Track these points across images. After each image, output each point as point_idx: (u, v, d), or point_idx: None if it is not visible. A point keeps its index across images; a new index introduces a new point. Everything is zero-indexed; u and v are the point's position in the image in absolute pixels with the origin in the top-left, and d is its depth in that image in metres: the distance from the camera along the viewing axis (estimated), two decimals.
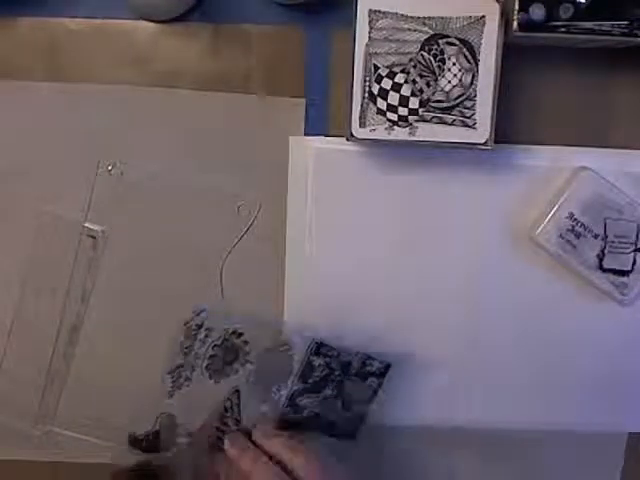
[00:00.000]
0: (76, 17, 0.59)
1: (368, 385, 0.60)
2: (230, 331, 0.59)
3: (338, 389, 0.60)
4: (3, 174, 0.60)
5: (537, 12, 0.53)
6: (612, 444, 0.66)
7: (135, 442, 0.62)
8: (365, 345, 0.61)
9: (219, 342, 0.59)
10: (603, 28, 0.53)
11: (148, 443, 0.61)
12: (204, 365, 0.60)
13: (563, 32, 0.53)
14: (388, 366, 0.60)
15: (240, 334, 0.59)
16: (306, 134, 0.60)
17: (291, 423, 0.59)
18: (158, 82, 0.59)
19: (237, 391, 0.60)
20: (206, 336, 0.59)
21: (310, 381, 0.59)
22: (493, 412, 0.64)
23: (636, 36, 0.54)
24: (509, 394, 0.63)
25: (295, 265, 0.61)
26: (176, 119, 0.60)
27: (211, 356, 0.60)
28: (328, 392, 0.59)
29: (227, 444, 0.57)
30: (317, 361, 0.59)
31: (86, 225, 0.60)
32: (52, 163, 0.60)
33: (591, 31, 0.53)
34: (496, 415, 0.64)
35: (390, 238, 0.61)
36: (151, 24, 0.59)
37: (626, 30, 0.53)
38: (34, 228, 0.60)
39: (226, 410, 0.59)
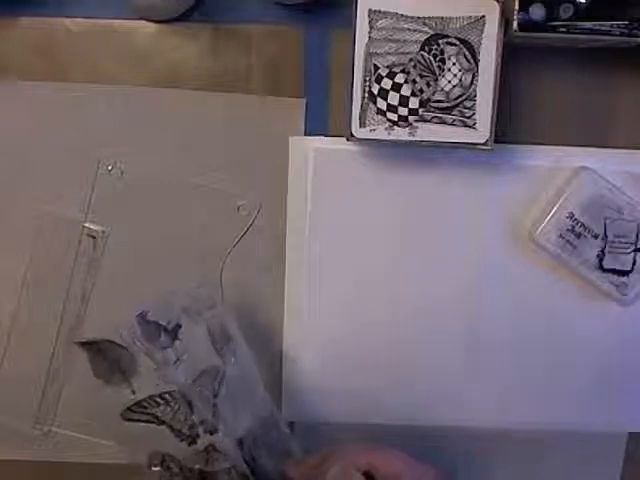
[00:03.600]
0: (76, 17, 0.59)
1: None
2: None
3: None
4: (3, 174, 0.60)
5: (537, 12, 0.53)
6: (612, 444, 0.65)
7: None
8: (365, 341, 0.61)
9: None
10: (603, 28, 0.53)
11: None
12: None
13: (563, 32, 0.53)
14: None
15: None
16: (306, 134, 0.60)
17: None
18: (158, 82, 0.59)
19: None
20: None
21: None
22: (493, 412, 0.64)
23: (636, 36, 0.53)
24: (509, 394, 0.63)
25: (295, 265, 0.61)
26: (176, 119, 0.60)
27: None
28: None
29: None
30: None
31: (86, 225, 0.60)
32: (52, 163, 0.60)
33: (591, 31, 0.53)
34: (496, 415, 0.64)
35: (390, 238, 0.61)
36: (151, 24, 0.59)
37: (626, 30, 0.53)
38: (34, 228, 0.60)
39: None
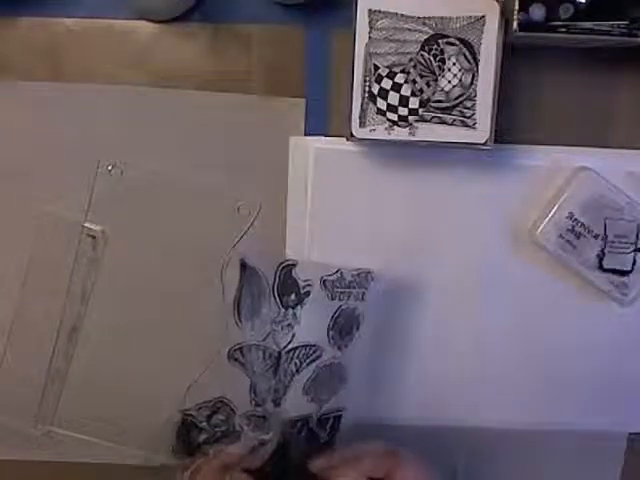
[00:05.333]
0: (76, 17, 0.59)
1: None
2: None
3: None
4: (3, 174, 0.60)
5: (537, 12, 0.53)
6: (612, 444, 0.66)
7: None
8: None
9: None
10: (603, 28, 0.53)
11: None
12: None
13: (563, 32, 0.53)
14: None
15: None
16: (306, 134, 0.60)
17: None
18: (158, 82, 0.59)
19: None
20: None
21: None
22: (493, 412, 0.64)
23: (636, 36, 0.54)
24: (508, 394, 0.63)
25: None
26: (176, 119, 0.60)
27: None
28: None
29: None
30: None
31: (86, 225, 0.60)
32: (52, 163, 0.60)
33: (591, 31, 0.53)
34: (496, 415, 0.64)
35: (390, 237, 0.61)
36: (151, 24, 0.59)
37: (626, 30, 0.53)
38: (34, 228, 0.60)
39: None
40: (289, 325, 0.57)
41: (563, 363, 0.63)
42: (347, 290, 0.58)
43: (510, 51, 0.56)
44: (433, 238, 0.61)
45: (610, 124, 0.61)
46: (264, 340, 0.58)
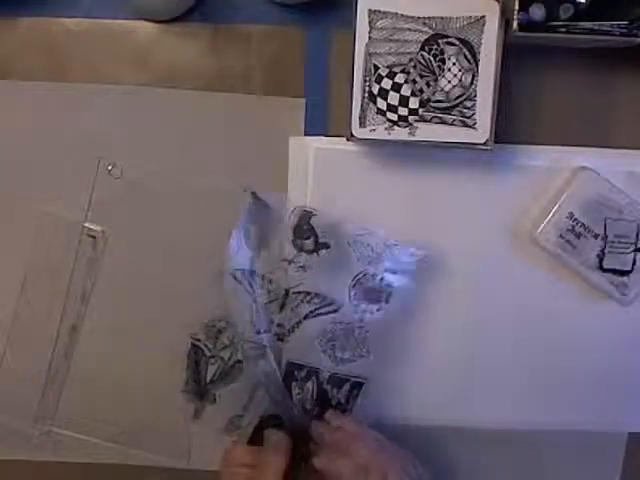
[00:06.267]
0: (76, 17, 0.59)
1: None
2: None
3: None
4: (3, 174, 0.60)
5: (537, 12, 0.53)
6: (612, 444, 0.65)
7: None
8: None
9: None
10: (603, 28, 0.53)
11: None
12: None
13: (563, 32, 0.53)
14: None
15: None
16: (306, 134, 0.60)
17: None
18: (158, 82, 0.59)
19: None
20: None
21: None
22: (493, 412, 0.64)
23: (636, 36, 0.54)
24: (509, 393, 0.63)
25: None
26: (176, 119, 0.60)
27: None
28: None
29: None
30: None
31: (86, 225, 0.60)
32: (52, 163, 0.60)
33: (591, 31, 0.53)
34: (496, 415, 0.64)
35: (390, 237, 0.61)
36: (151, 24, 0.59)
37: (626, 30, 0.53)
38: (34, 228, 0.60)
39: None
40: (302, 267, 0.59)
41: (563, 363, 0.63)
42: (376, 257, 0.59)
43: (510, 51, 0.56)
44: (433, 238, 0.61)
45: (610, 124, 0.61)
46: (270, 273, 0.59)
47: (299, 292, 0.59)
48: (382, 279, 0.59)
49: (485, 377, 0.63)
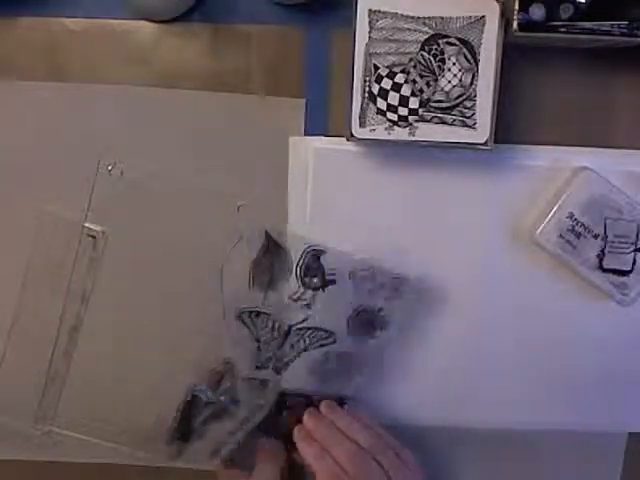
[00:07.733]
0: (76, 17, 0.59)
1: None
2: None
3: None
4: (3, 174, 0.60)
5: (537, 12, 0.53)
6: (612, 444, 0.66)
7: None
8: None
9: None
10: (603, 28, 0.53)
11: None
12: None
13: (563, 32, 0.53)
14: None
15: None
16: (306, 134, 0.60)
17: None
18: (158, 82, 0.59)
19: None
20: None
21: None
22: (493, 412, 0.64)
23: (636, 36, 0.53)
24: (509, 393, 0.63)
25: None
26: (176, 119, 0.60)
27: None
28: None
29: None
30: None
31: (86, 225, 0.60)
32: (52, 163, 0.60)
33: (591, 31, 0.53)
34: (496, 415, 0.64)
35: (390, 238, 0.61)
36: (151, 24, 0.59)
37: (626, 30, 0.53)
38: (34, 228, 0.60)
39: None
40: (307, 305, 0.59)
41: (563, 363, 0.63)
42: (377, 289, 0.59)
43: (510, 51, 0.56)
44: (433, 238, 0.61)
45: (610, 124, 0.61)
46: (276, 313, 0.60)
47: (301, 328, 0.60)
48: (381, 309, 0.60)
49: (485, 377, 0.63)
